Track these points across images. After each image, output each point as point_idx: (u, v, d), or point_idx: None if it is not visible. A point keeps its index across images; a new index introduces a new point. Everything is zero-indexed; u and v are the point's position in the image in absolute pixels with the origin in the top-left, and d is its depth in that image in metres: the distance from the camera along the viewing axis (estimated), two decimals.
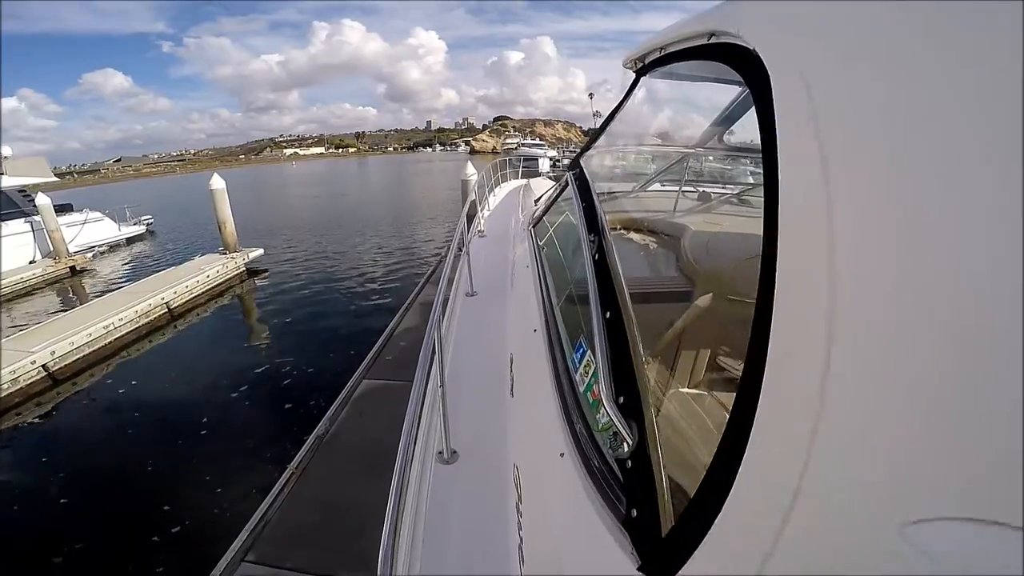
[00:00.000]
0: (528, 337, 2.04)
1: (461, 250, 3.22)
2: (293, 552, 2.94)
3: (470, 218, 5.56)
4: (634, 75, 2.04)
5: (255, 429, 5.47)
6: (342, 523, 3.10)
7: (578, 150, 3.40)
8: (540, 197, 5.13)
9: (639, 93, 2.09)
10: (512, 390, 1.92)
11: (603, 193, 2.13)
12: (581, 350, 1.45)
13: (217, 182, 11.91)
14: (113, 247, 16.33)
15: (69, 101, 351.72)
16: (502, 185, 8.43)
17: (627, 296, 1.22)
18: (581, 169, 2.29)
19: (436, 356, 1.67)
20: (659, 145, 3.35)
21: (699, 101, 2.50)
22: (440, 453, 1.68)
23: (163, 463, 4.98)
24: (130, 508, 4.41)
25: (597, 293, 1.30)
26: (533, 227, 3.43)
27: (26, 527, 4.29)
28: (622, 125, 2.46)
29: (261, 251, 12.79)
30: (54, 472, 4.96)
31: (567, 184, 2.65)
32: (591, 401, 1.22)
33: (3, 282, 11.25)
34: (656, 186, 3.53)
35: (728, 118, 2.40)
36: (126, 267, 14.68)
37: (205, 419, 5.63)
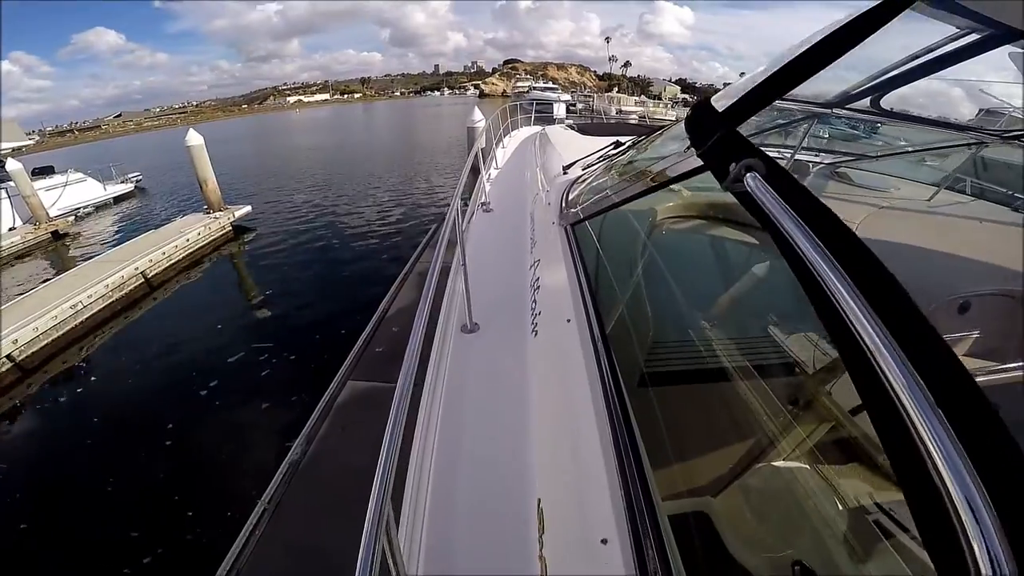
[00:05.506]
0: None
1: (455, 244, 2.00)
2: None
3: (475, 174, 4.32)
4: None
5: (227, 435, 4.65)
6: (323, 573, 2.57)
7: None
8: (573, 164, 3.38)
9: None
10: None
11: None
12: None
13: (194, 138, 10.83)
14: (99, 207, 15.48)
15: (62, 61, 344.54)
16: (512, 134, 7.10)
17: None
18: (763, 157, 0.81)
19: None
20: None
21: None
22: None
23: (122, 478, 4.24)
24: (89, 536, 3.74)
25: None
26: (572, 226, 2.17)
27: None
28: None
29: (249, 208, 11.88)
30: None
31: (687, 172, 1.15)
32: None
33: None
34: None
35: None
36: (113, 228, 13.84)
37: (169, 426, 4.80)
